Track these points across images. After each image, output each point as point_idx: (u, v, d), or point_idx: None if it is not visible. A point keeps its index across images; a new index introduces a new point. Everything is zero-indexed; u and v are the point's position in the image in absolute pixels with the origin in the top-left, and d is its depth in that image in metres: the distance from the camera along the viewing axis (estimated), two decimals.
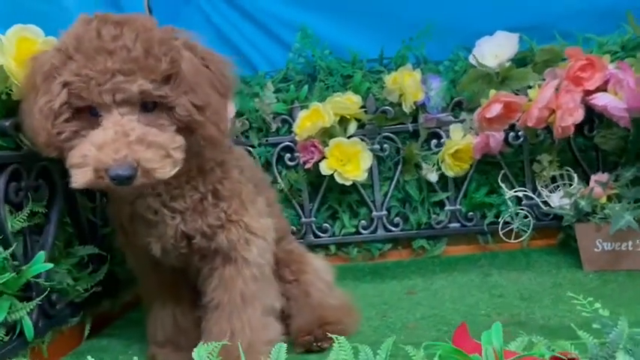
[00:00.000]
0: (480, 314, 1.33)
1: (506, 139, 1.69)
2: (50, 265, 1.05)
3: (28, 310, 1.04)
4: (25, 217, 1.08)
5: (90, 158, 0.87)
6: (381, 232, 1.82)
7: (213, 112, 0.96)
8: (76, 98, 0.90)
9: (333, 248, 1.84)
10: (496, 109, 1.47)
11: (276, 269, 1.28)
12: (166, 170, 0.90)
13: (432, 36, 1.75)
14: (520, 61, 1.71)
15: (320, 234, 1.83)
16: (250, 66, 1.88)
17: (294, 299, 1.29)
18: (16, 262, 1.04)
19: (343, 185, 1.75)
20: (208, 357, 0.81)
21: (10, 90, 1.00)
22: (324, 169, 1.71)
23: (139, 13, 0.97)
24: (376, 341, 0.91)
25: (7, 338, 1.02)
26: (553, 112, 1.48)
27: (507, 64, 1.65)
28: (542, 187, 1.71)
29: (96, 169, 0.87)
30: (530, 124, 1.48)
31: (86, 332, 1.30)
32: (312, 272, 1.32)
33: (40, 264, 1.04)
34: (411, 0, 1.81)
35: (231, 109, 1.66)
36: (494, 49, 1.68)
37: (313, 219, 1.83)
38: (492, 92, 1.54)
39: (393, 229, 1.81)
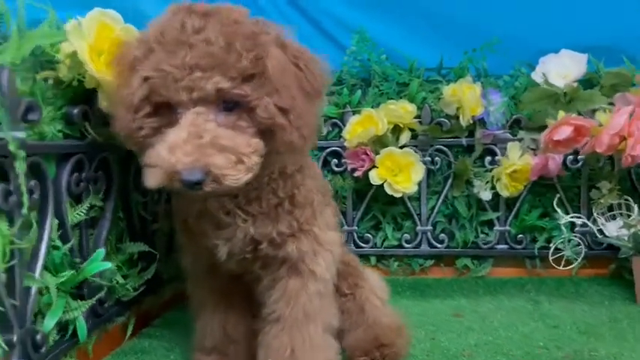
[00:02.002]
0: (537, 346, 1.27)
1: (564, 162, 1.63)
2: (109, 265, 0.99)
3: (83, 309, 0.99)
4: (84, 211, 1.02)
5: (162, 160, 0.82)
6: (424, 248, 1.76)
7: (298, 116, 0.89)
8: (156, 94, 0.84)
9: (373, 259, 1.78)
10: (566, 132, 1.41)
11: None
12: (238, 177, 0.83)
13: (494, 50, 1.68)
14: (585, 82, 1.65)
15: (361, 244, 1.77)
16: None
17: (348, 313, 1.23)
18: (76, 259, 0.98)
19: (389, 196, 1.69)
20: None
21: (83, 77, 0.94)
22: (374, 178, 1.65)
23: (232, 4, 0.90)
24: None
25: (58, 338, 0.97)
26: (624, 139, 1.42)
27: (574, 85, 1.58)
28: (598, 214, 1.64)
29: (167, 172, 0.81)
30: (599, 150, 1.41)
31: (129, 332, 1.24)
32: (368, 287, 1.26)
33: (99, 262, 0.99)
34: (473, 10, 1.74)
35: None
36: (560, 69, 1.62)
37: (355, 228, 1.77)
38: (561, 113, 1.47)
39: (438, 245, 1.75)
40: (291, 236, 1.02)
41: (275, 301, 1.04)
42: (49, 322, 0.91)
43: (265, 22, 0.91)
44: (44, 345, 0.89)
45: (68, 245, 0.96)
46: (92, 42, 0.89)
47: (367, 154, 1.63)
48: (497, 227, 1.73)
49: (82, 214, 1.02)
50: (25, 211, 0.80)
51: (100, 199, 1.10)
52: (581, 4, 1.69)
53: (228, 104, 0.85)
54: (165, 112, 0.86)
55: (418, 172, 1.66)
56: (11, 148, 0.76)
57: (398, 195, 1.66)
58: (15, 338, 0.81)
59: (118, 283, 1.13)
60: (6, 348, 0.80)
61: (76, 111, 0.97)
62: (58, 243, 0.95)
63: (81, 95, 0.99)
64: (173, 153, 0.80)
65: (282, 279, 1.04)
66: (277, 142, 0.89)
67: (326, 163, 1.76)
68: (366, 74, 1.77)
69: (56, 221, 0.95)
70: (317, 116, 0.95)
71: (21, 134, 0.81)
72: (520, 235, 1.73)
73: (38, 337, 0.87)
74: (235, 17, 0.87)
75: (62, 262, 0.95)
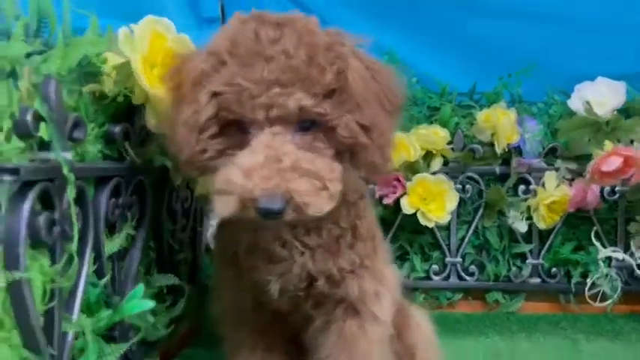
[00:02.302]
0: None
1: (601, 194, 1.57)
2: (151, 304, 0.88)
3: (117, 354, 0.86)
4: (120, 241, 0.91)
5: (236, 185, 0.72)
6: (454, 280, 1.67)
7: (380, 134, 0.80)
8: (226, 111, 0.75)
9: None
10: (615, 163, 1.35)
11: None
12: (322, 205, 0.74)
13: (529, 75, 1.62)
14: (622, 111, 1.59)
15: None
16: None
17: (396, 356, 1.13)
18: (111, 297, 0.86)
19: (417, 224, 1.60)
20: None
21: (130, 92, 0.83)
22: (406, 206, 1.56)
23: (298, 12, 0.82)
24: None
25: None
26: None
27: (614, 114, 1.53)
28: (637, 248, 1.58)
29: (242, 198, 0.72)
30: None
31: None
32: (416, 327, 1.16)
33: (138, 299, 0.87)
34: (506, 35, 1.69)
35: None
36: (598, 96, 1.56)
37: None
38: (608, 144, 1.41)
39: (468, 277, 1.66)
40: (352, 273, 0.92)
41: (330, 345, 0.93)
42: None
43: (339, 32, 0.82)
44: None
45: (104, 280, 0.85)
46: (145, 53, 0.79)
47: (399, 181, 1.55)
48: (529, 260, 1.65)
49: (117, 245, 0.91)
50: (74, 245, 0.68)
51: (133, 226, 0.98)
52: (615, 31, 1.64)
53: (305, 123, 0.76)
54: (233, 132, 0.76)
55: (452, 201, 1.58)
56: (64, 170, 0.65)
57: (431, 225, 1.57)
58: None
59: (150, 322, 1.01)
60: None
61: (117, 129, 0.86)
62: (93, 278, 0.84)
63: (123, 112, 0.88)
64: (250, 178, 0.70)
65: (338, 320, 0.94)
66: (359, 163, 0.80)
67: None
68: None
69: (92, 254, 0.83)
70: (394, 137, 0.86)
71: (69, 154, 0.70)
72: (554, 269, 1.65)
73: None
74: (311, 27, 0.78)
75: (98, 301, 0.83)
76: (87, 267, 0.78)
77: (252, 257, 0.91)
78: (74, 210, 0.68)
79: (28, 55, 0.70)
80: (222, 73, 0.74)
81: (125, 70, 0.80)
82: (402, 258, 1.69)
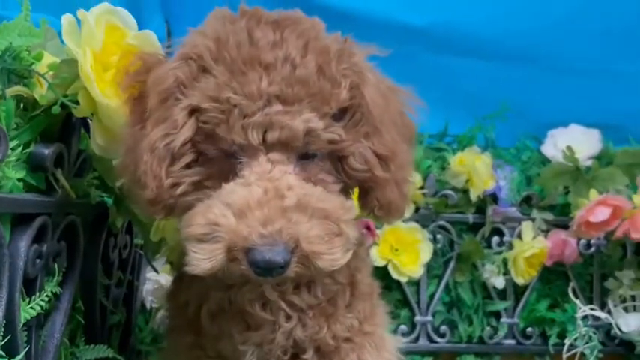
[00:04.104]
0: None
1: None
2: None
3: None
4: (43, 303, 0.66)
5: (223, 230, 0.53)
6: (423, 342, 1.49)
7: (399, 167, 0.65)
8: (208, 134, 0.56)
9: None
10: (604, 214, 1.26)
11: None
12: (336, 256, 0.57)
13: (505, 118, 1.53)
14: (597, 159, 1.53)
15: None
16: None
17: None
18: None
19: (386, 278, 1.42)
20: None
21: (72, 101, 0.62)
22: (377, 258, 1.39)
23: (298, 11, 0.65)
24: None
25: None
26: None
27: (593, 162, 1.46)
28: (615, 306, 1.48)
29: (232, 248, 0.52)
30: (634, 236, 1.27)
31: None
32: None
33: None
34: (478, 76, 1.59)
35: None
36: (572, 143, 1.49)
37: None
38: (593, 193, 1.32)
39: (439, 339, 1.49)
40: (348, 341, 0.73)
41: None
42: None
43: (347, 38, 0.66)
44: None
45: (18, 358, 0.60)
46: (98, 49, 0.58)
47: (370, 229, 1.38)
48: (504, 319, 1.51)
49: (37, 309, 0.66)
50: None
51: (58, 282, 0.74)
52: (591, 76, 1.59)
53: (309, 150, 0.59)
54: (214, 159, 0.57)
55: (426, 252, 1.43)
56: None
57: (404, 279, 1.41)
58: None
59: None
60: None
61: (48, 151, 0.63)
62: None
63: (58, 128, 0.66)
64: (244, 219, 0.52)
65: None
66: (372, 202, 0.64)
67: None
68: None
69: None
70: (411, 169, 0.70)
71: None
72: (529, 329, 1.52)
73: None
74: (318, 29, 0.62)
75: None
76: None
77: (222, 321, 0.70)
78: None
79: None
80: (204, 84, 0.56)
81: (68, 70, 0.58)
82: None
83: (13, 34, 0.54)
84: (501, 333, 1.50)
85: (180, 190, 0.56)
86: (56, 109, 0.61)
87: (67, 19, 0.58)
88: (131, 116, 0.60)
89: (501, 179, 1.48)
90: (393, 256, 1.40)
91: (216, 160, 0.58)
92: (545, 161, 1.54)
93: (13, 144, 0.58)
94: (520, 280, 1.45)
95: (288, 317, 0.69)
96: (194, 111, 0.56)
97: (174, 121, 0.55)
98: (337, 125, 0.60)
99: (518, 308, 1.52)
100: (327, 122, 0.59)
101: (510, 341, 1.51)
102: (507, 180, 1.48)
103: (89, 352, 0.83)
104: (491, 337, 1.50)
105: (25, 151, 0.61)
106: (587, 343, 1.47)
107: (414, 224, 1.43)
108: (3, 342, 0.59)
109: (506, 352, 1.52)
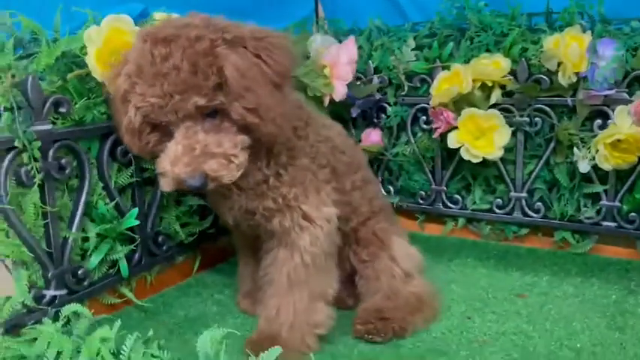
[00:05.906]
0: (568, 347, 1.15)
1: None
2: (136, 222, 1.25)
3: (124, 252, 1.26)
4: (129, 175, 1.27)
5: (168, 171, 0.98)
6: (517, 215, 1.62)
7: (267, 110, 0.98)
8: (150, 118, 0.99)
9: (461, 221, 1.72)
10: None
11: (355, 248, 1.31)
12: (232, 174, 0.99)
13: None
14: None
15: (450, 204, 1.72)
16: (401, 14, 1.75)
17: (365, 279, 1.30)
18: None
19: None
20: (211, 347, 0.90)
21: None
22: (453, 141, 1.56)
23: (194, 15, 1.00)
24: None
25: (111, 271, 1.27)
26: None
27: None
28: None
29: (175, 180, 0.98)
30: None
31: (195, 268, 1.51)
32: (389, 257, 1.29)
33: (132, 219, 1.24)
34: None
35: (341, 90, 1.59)
36: None
37: (444, 188, 1.71)
38: None
39: (533, 214, 1.60)
40: (278, 211, 1.13)
41: (267, 265, 1.18)
42: (93, 261, 1.21)
43: (223, 24, 0.98)
44: (87, 278, 1.19)
45: (112, 204, 1.23)
46: (100, 46, 1.08)
47: (445, 115, 1.55)
48: (603, 202, 1.49)
49: (129, 177, 1.28)
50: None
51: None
52: None
53: (210, 112, 0.98)
54: (162, 127, 1.01)
55: (503, 137, 1.52)
56: (24, 141, 1.02)
57: (477, 160, 1.55)
58: (50, 274, 1.12)
59: (175, 230, 1.39)
60: (41, 282, 1.12)
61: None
62: (102, 203, 1.23)
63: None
64: (175, 165, 0.97)
65: (275, 248, 1.16)
66: (257, 135, 1.00)
67: (415, 119, 1.72)
68: (463, 23, 1.62)
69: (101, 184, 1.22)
70: (288, 101, 1.03)
71: (48, 126, 1.07)
72: (632, 214, 1.47)
73: (80, 272, 1.18)
74: (195, 34, 0.95)
75: (104, 217, 1.22)
76: (85, 196, 1.17)
77: (213, 195, 1.20)
78: (35, 165, 1.05)
79: (21, 58, 1.06)
80: (137, 92, 0.97)
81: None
82: (466, 188, 1.71)
83: (64, 44, 1.10)
84: (599, 215, 1.50)
85: (150, 145, 1.03)
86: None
87: (91, 29, 1.10)
88: (115, 107, 1.06)
89: (599, 59, 1.38)
90: (469, 141, 1.54)
91: (164, 129, 1.01)
92: None
93: (85, 98, 1.16)
94: (606, 166, 1.41)
95: (238, 195, 1.13)
96: (138, 107, 0.98)
97: (130, 114, 0.99)
98: (220, 93, 0.95)
99: (622, 192, 1.47)
100: (210, 96, 0.94)
101: (610, 223, 1.50)
102: (607, 60, 1.38)
103: (189, 200, 1.43)
104: (588, 218, 1.52)
105: (100, 98, 1.19)
106: None
107: (492, 111, 1.52)
108: (104, 194, 1.22)
109: (606, 234, 1.52)
